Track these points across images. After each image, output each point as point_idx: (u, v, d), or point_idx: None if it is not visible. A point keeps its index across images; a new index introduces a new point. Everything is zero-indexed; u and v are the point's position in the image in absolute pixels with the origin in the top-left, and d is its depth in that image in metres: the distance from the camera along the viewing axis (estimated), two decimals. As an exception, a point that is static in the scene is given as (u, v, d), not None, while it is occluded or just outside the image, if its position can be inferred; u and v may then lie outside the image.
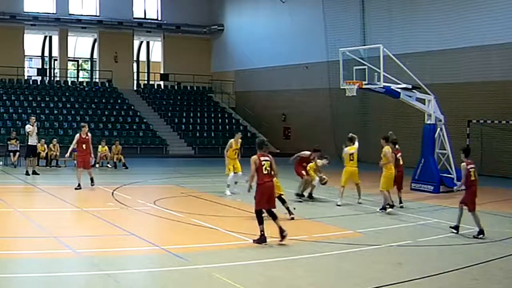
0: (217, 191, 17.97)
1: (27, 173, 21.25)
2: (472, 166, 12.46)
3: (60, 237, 11.08)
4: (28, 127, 21.71)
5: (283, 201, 13.23)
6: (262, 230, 10.79)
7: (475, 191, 12.33)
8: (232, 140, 18.22)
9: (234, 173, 17.53)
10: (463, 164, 12.39)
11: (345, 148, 16.33)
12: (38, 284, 8.34)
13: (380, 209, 14.92)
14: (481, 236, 11.94)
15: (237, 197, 17.08)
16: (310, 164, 16.57)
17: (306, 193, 16.70)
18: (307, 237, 11.63)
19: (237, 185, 17.58)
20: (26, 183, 19.58)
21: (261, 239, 10.78)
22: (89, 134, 18.93)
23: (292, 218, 13.28)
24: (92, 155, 19.41)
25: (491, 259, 10.17)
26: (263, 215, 10.95)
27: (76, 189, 17.43)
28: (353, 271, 9.46)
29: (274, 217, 11.02)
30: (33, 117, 22.12)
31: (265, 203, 10.91)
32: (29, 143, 21.50)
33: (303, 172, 16.52)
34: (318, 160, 16.63)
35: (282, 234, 10.86)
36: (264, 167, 10.90)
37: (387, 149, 15.16)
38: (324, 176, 16.62)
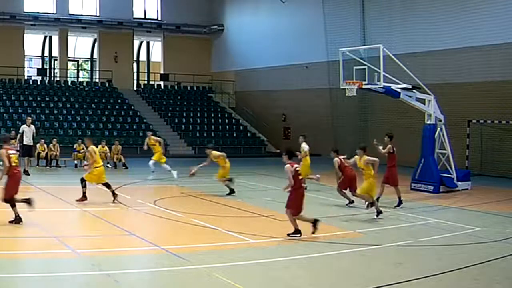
0: (217, 191, 17.97)
1: (25, 173, 21.38)
2: (297, 166, 11.58)
3: (60, 237, 11.08)
4: (22, 128, 22.48)
5: (108, 186, 15.42)
6: (16, 213, 12.09)
7: (302, 193, 11.59)
8: (146, 138, 22.39)
9: (156, 161, 21.32)
10: (287, 166, 11.40)
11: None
12: (38, 284, 8.34)
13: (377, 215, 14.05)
14: (298, 235, 11.36)
15: (236, 197, 17.10)
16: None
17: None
18: (307, 237, 11.62)
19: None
20: (26, 183, 19.50)
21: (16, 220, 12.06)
22: None
23: (114, 195, 15.23)
24: None
25: (491, 259, 10.16)
26: None
27: None
28: (353, 271, 9.47)
29: (14, 204, 12.13)
30: (29, 118, 22.87)
31: (14, 193, 12.17)
32: (24, 143, 22.06)
33: None
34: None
35: (17, 220, 11.99)
36: (12, 160, 12.14)
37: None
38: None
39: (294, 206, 11.44)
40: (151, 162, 21.23)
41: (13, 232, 11.75)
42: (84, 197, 15.24)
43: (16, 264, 9.40)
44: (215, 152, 17.97)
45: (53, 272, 8.80)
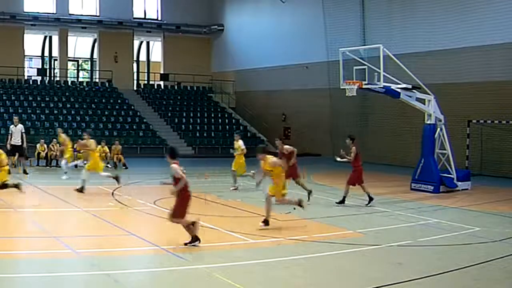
0: (217, 191, 17.97)
1: (24, 172, 21.46)
2: (183, 168, 10.75)
3: (60, 237, 11.08)
4: (10, 128, 22.93)
5: (5, 187, 15.09)
6: None
7: (189, 196, 10.84)
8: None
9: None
10: (174, 165, 10.60)
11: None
12: (38, 284, 8.34)
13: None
14: (197, 242, 10.39)
15: (236, 197, 17.10)
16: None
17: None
18: (307, 237, 11.62)
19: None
20: (26, 183, 19.53)
21: None
22: None
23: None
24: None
25: (491, 259, 10.15)
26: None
27: None
28: (353, 271, 9.47)
29: None
30: (16, 118, 23.24)
31: None
32: (12, 143, 22.41)
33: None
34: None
35: None
36: None
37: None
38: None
39: (183, 213, 10.47)
40: (63, 162, 22.13)
41: (13, 232, 11.76)
42: None
43: (16, 264, 9.40)
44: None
45: (53, 272, 8.79)
